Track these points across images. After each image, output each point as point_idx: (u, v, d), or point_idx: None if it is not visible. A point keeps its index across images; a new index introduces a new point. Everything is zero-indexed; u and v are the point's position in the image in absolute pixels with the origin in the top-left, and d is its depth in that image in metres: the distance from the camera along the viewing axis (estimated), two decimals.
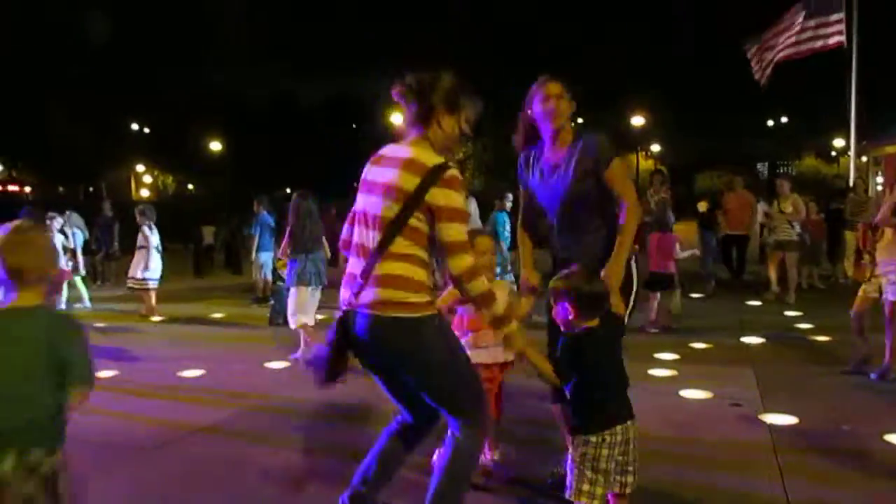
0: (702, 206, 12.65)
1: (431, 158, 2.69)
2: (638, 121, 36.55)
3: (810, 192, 13.33)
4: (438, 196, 2.62)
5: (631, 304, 3.31)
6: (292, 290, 6.76)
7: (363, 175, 2.85)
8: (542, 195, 3.38)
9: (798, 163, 51.28)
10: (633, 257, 3.30)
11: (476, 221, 10.47)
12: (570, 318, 2.73)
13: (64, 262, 10.14)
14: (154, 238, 9.90)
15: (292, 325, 6.79)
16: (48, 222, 10.06)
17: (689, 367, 6.06)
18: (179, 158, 41.58)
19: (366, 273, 2.69)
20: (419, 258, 2.69)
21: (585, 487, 2.64)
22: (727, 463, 3.86)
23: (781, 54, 14.94)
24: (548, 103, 3.25)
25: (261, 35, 39.76)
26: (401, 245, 2.66)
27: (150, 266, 9.83)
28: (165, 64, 37.37)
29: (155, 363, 6.85)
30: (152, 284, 9.91)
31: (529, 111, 3.34)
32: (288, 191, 27.44)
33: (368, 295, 2.67)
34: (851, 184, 13.21)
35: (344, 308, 2.78)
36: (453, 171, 2.68)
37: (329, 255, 7.33)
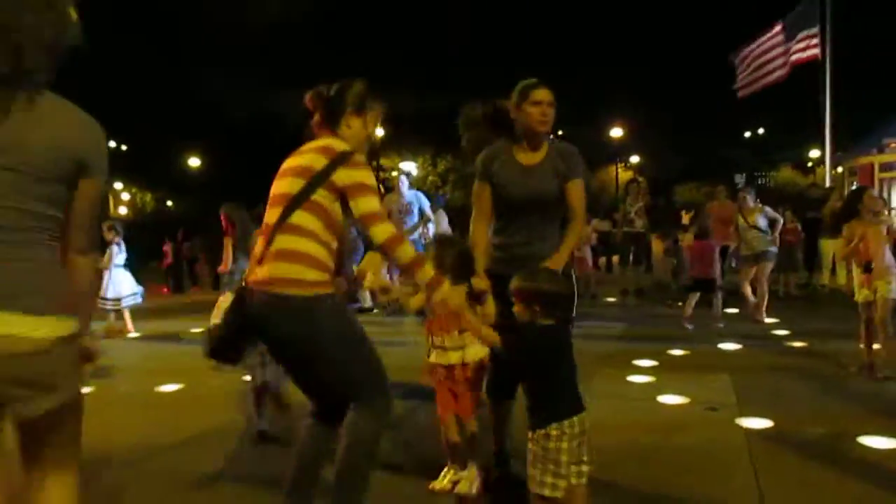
0: (685, 218, 12.81)
1: (342, 146, 2.81)
2: (617, 132, 36.87)
3: (788, 203, 13.49)
4: (345, 176, 2.73)
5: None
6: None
7: (283, 165, 2.93)
8: (514, 192, 3.47)
9: (775, 174, 51.86)
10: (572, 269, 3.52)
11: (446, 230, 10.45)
12: (530, 316, 2.79)
13: None
14: (120, 256, 9.77)
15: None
16: None
17: (667, 373, 6.09)
18: (158, 175, 41.32)
19: (264, 249, 2.74)
20: (319, 237, 2.73)
21: (549, 480, 2.71)
22: (704, 467, 3.88)
23: (771, 77, 15.26)
24: (541, 108, 3.40)
25: (241, 50, 39.66)
26: (300, 218, 2.72)
27: (118, 284, 9.70)
28: (144, 80, 37.20)
29: (133, 377, 6.78)
30: (124, 303, 9.79)
31: (516, 108, 3.46)
32: None
33: (263, 271, 2.71)
34: (828, 188, 13.40)
35: (242, 285, 2.82)
36: (360, 157, 2.81)
37: None
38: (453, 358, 3.46)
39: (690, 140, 46.51)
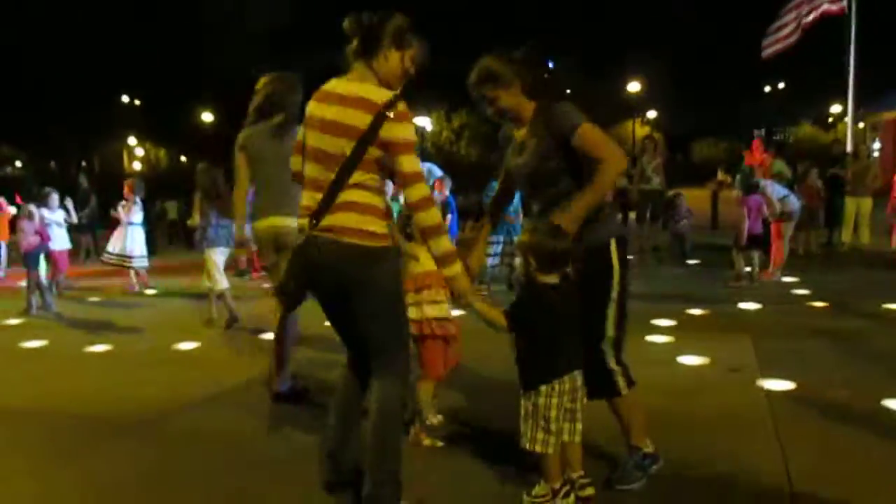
0: (721, 175, 12.62)
1: (380, 94, 2.72)
2: (634, 87, 36.28)
3: (809, 159, 13.26)
4: (392, 130, 2.67)
5: (615, 288, 3.02)
6: (219, 253, 7.09)
7: (309, 111, 2.87)
8: (516, 168, 3.21)
9: (795, 129, 51.08)
10: (614, 242, 3.03)
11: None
12: (531, 271, 2.79)
13: (67, 239, 10.07)
14: (135, 215, 9.74)
15: (225, 286, 7.10)
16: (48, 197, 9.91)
17: (687, 333, 6.04)
18: (171, 131, 41.20)
19: (326, 202, 2.73)
20: (379, 189, 2.78)
21: (540, 436, 2.74)
22: (725, 429, 3.84)
23: (794, 37, 14.95)
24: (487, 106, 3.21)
25: (257, 10, 38.92)
26: (361, 176, 2.72)
27: (128, 242, 9.71)
28: (158, 36, 36.82)
29: (150, 335, 6.82)
30: (136, 263, 9.79)
31: None
32: None
33: (329, 221, 2.72)
34: (851, 150, 13.14)
35: (303, 238, 2.81)
36: (402, 105, 2.71)
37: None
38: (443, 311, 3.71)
39: (709, 95, 45.78)
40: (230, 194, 7.19)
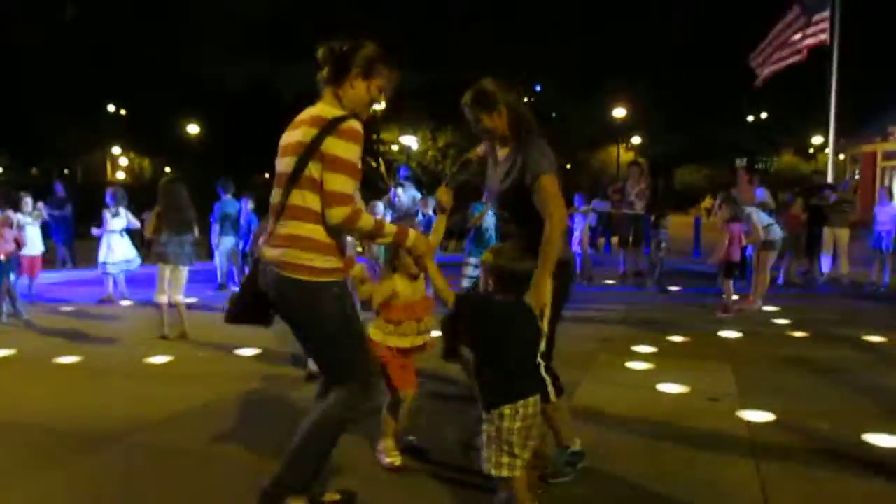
0: (706, 203, 12.72)
1: (334, 112, 2.77)
2: (619, 112, 36.54)
3: (789, 187, 13.35)
4: (331, 145, 2.70)
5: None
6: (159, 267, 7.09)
7: (280, 141, 2.92)
8: (490, 183, 3.52)
9: (777, 159, 51.62)
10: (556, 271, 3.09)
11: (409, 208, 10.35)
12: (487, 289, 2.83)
13: (41, 243, 9.95)
14: (117, 222, 9.58)
15: (163, 300, 7.06)
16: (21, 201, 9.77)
17: (667, 360, 5.98)
18: (156, 141, 40.89)
19: (273, 230, 2.83)
20: (319, 215, 2.77)
21: (505, 460, 2.71)
22: (704, 459, 3.78)
23: (784, 63, 15.12)
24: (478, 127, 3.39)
25: (240, 22, 38.75)
26: (298, 198, 2.75)
27: (109, 251, 9.55)
28: (142, 45, 36.55)
29: (123, 348, 6.67)
30: (111, 269, 9.63)
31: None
32: (267, 176, 27.08)
33: (273, 252, 2.81)
34: (831, 181, 13.26)
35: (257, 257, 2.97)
36: (352, 123, 2.74)
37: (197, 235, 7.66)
38: (414, 341, 3.67)
39: (693, 122, 46.15)
40: (191, 209, 7.25)
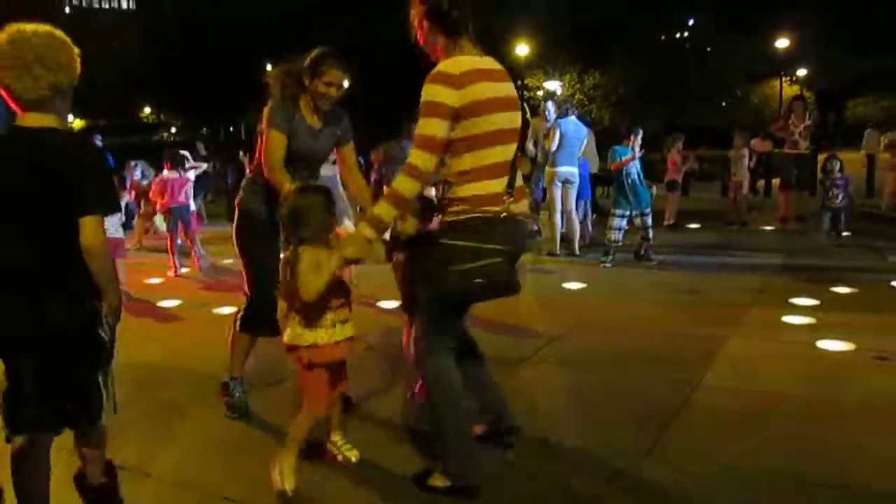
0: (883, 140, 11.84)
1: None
2: (782, 43, 33.77)
3: None
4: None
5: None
6: None
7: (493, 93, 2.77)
8: (303, 149, 3.65)
9: None
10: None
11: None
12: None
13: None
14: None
15: None
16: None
17: (830, 314, 5.55)
18: None
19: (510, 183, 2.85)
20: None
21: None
22: (868, 423, 3.50)
23: None
24: (332, 89, 3.51)
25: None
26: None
27: None
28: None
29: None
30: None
31: (308, 78, 3.52)
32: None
33: (519, 207, 2.87)
34: None
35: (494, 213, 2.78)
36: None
37: None
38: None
39: (873, 43, 41.60)
40: None
